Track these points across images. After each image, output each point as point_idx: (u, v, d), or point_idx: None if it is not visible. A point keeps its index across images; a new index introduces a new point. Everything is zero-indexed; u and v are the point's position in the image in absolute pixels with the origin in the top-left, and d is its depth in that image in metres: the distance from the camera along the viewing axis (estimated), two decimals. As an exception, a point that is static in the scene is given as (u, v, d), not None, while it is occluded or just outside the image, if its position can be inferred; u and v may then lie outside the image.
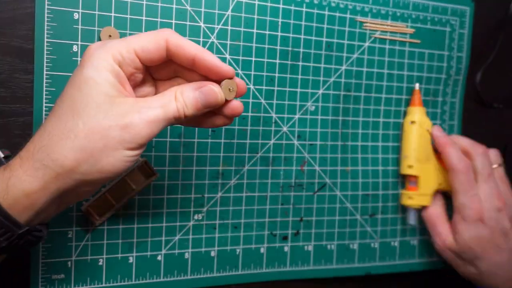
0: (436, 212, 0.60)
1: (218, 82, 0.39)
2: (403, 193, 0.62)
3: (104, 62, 0.34)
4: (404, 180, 0.63)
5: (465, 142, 0.60)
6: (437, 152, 0.62)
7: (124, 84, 0.36)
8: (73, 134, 0.33)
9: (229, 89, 0.39)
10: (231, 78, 0.39)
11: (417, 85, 0.62)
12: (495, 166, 0.59)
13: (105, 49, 0.35)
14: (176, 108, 0.36)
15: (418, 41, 0.62)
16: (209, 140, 0.53)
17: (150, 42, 0.36)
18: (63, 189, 0.34)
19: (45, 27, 0.47)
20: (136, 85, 0.39)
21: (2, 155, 0.42)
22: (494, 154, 0.60)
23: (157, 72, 0.40)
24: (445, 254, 0.59)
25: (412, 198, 0.60)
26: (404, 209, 0.63)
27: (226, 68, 0.38)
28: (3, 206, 0.33)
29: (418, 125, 0.60)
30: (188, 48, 0.37)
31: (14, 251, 0.35)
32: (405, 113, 0.63)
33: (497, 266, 0.54)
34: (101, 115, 0.33)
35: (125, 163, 0.35)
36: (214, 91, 0.38)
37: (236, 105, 0.40)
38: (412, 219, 0.62)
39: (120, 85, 0.35)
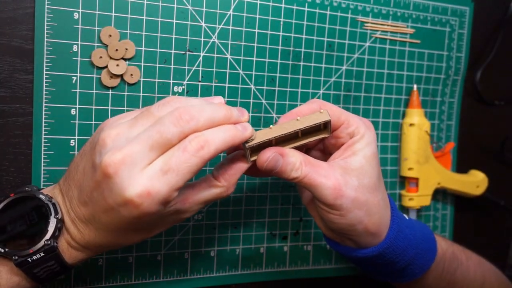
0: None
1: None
2: (403, 194, 0.62)
3: (160, 209, 0.36)
4: (403, 181, 0.63)
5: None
6: (435, 152, 0.63)
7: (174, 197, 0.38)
8: (133, 242, 0.41)
9: None
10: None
11: (415, 87, 0.62)
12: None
13: (157, 203, 0.35)
14: (225, 188, 0.42)
15: (418, 41, 0.62)
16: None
17: (193, 174, 0.36)
18: None
19: (45, 27, 0.46)
20: None
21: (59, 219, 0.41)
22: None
23: None
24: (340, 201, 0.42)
25: (413, 199, 0.61)
26: (402, 208, 0.63)
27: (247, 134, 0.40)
28: (68, 264, 0.40)
29: (417, 127, 0.60)
30: (221, 151, 0.39)
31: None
32: (403, 114, 0.63)
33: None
34: (161, 227, 0.41)
35: None
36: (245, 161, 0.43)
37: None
38: (412, 217, 0.62)
39: (172, 203, 0.38)
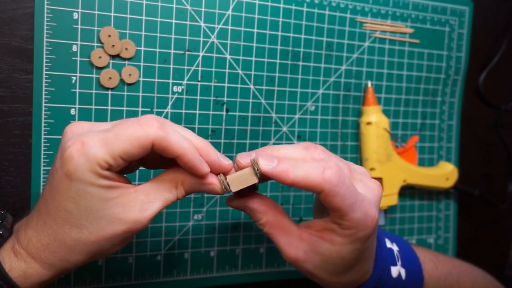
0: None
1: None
2: None
3: (92, 174, 0.34)
4: None
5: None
6: (398, 148, 0.62)
7: (117, 179, 0.36)
8: (81, 243, 0.35)
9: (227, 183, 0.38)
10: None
11: (369, 83, 0.60)
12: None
13: (90, 160, 0.33)
14: (176, 197, 0.38)
15: (418, 41, 0.62)
16: (209, 140, 0.53)
17: (134, 147, 0.34)
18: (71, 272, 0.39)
19: (45, 27, 0.46)
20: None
21: (9, 226, 0.39)
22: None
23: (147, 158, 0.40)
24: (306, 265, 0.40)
25: None
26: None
27: (204, 170, 0.37)
28: (11, 278, 0.35)
29: (374, 126, 0.58)
30: (175, 149, 0.35)
31: None
32: (404, 113, 0.63)
33: None
34: (104, 222, 0.35)
35: (126, 244, 0.38)
36: (216, 190, 0.38)
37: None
38: (381, 220, 0.61)
39: (114, 182, 0.35)
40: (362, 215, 0.38)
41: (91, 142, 0.33)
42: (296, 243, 0.40)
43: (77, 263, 0.36)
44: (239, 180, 0.38)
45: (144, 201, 0.36)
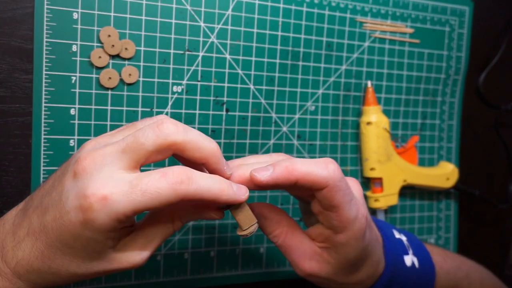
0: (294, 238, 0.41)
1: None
2: (369, 196, 0.60)
3: (109, 228, 0.32)
4: (368, 181, 0.61)
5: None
6: (398, 148, 0.62)
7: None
8: (75, 275, 0.35)
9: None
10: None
11: (369, 83, 0.59)
12: None
13: (111, 216, 0.32)
14: (173, 230, 0.38)
15: (418, 41, 0.62)
16: (209, 140, 0.53)
17: (161, 203, 0.32)
18: None
19: (45, 27, 0.46)
20: None
21: None
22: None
23: None
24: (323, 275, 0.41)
25: (379, 200, 0.59)
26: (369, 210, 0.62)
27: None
28: None
29: (374, 126, 0.58)
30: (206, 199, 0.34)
31: None
32: (404, 113, 0.63)
33: None
34: (104, 263, 0.35)
35: None
36: (215, 218, 0.38)
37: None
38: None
39: (121, 229, 0.35)
40: (355, 213, 0.37)
41: (114, 197, 0.31)
42: (310, 255, 0.39)
43: (61, 285, 0.36)
44: (247, 221, 0.37)
45: (143, 243, 0.36)
